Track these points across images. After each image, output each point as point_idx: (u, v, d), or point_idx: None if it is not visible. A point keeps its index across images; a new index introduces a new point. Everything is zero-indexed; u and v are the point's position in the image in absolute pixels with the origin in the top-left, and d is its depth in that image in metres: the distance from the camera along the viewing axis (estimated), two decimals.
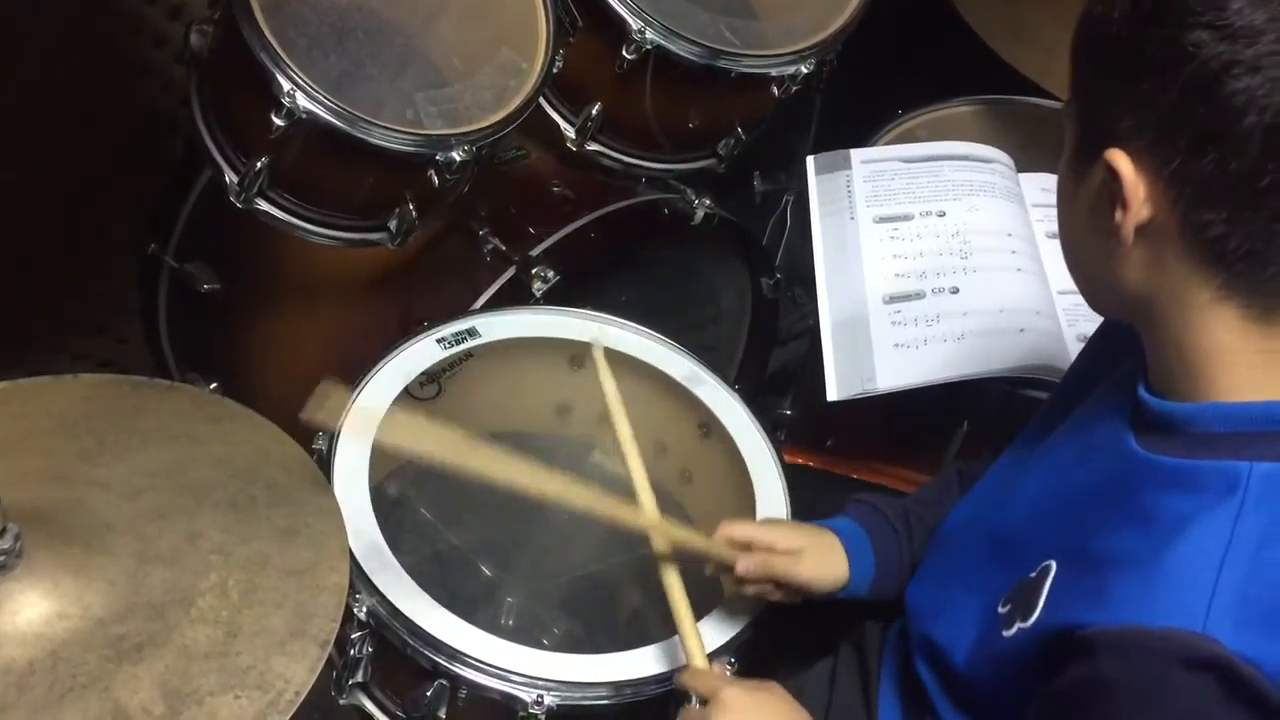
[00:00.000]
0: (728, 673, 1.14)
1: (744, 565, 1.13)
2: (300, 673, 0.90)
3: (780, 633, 1.23)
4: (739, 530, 1.15)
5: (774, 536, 1.16)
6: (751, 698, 1.04)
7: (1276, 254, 0.81)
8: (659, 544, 1.15)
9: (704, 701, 1.05)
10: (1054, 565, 0.90)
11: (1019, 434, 1.14)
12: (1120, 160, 0.83)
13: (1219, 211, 0.80)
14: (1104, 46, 0.86)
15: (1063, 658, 0.85)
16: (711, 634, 1.17)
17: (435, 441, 1.05)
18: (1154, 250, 0.85)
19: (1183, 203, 0.81)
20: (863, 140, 1.74)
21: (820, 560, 1.16)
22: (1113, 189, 0.84)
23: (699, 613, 1.19)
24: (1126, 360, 0.95)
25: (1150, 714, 0.80)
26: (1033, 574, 0.91)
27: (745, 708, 1.03)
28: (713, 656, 1.14)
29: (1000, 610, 0.94)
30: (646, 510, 1.17)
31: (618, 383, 1.25)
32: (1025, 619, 0.90)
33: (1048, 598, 0.89)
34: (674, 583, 1.13)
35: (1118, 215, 0.84)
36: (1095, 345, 1.11)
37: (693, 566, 1.17)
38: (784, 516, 1.31)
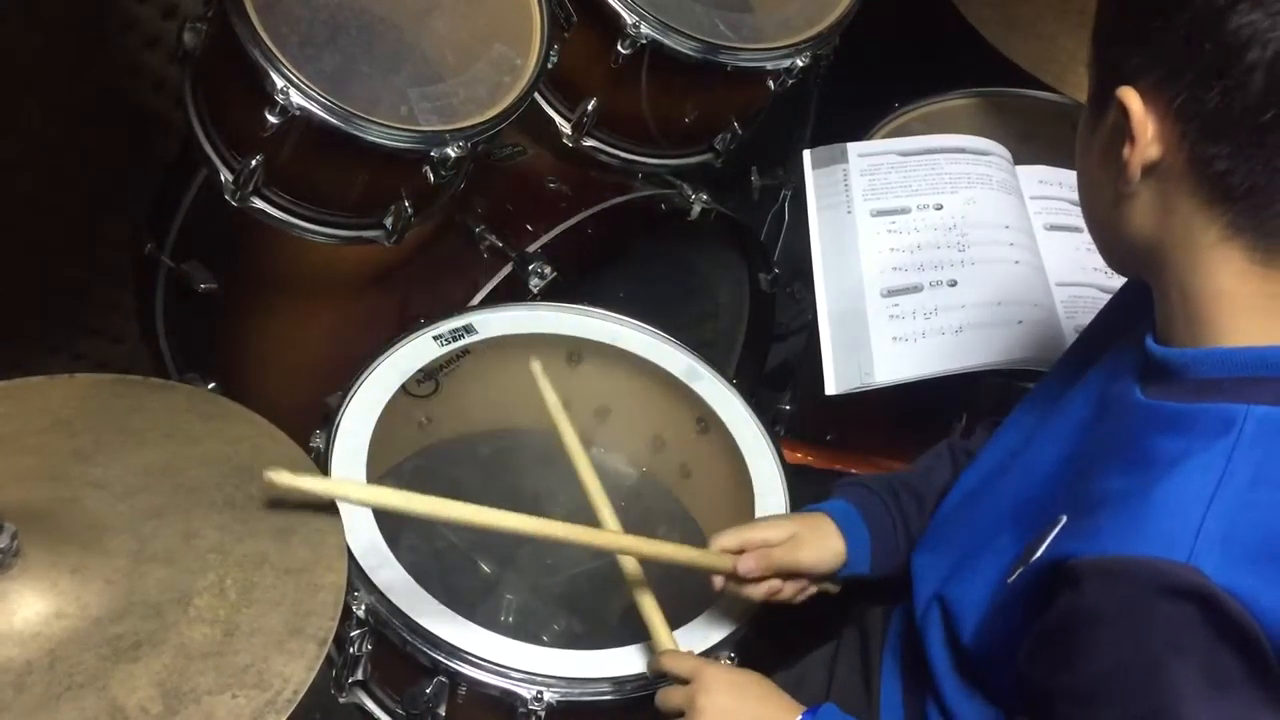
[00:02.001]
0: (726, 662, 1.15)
1: (745, 565, 1.12)
2: (299, 671, 0.90)
3: (780, 623, 1.22)
4: (728, 539, 1.15)
5: (764, 532, 1.16)
6: (731, 676, 1.06)
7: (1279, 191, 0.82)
8: (629, 566, 1.16)
9: (683, 683, 1.06)
10: (1065, 518, 0.90)
11: (1022, 402, 1.14)
12: (1130, 97, 0.84)
13: (1223, 147, 0.81)
14: None
15: (1052, 591, 0.86)
16: (711, 630, 1.17)
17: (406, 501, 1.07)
18: (1162, 190, 0.86)
19: (1189, 139, 0.82)
20: (859, 134, 1.74)
21: (816, 542, 1.16)
22: (1123, 128, 0.85)
23: (699, 609, 1.19)
24: (1142, 321, 0.95)
25: (1131, 641, 0.80)
26: (1046, 527, 0.92)
27: (726, 685, 1.04)
28: (712, 651, 1.15)
29: (1015, 568, 0.94)
30: (612, 530, 1.18)
31: (615, 382, 1.26)
32: (1028, 563, 0.91)
33: (1050, 542, 0.89)
34: (636, 577, 1.16)
35: (1126, 152, 0.85)
36: (1110, 310, 1.11)
37: (682, 572, 1.18)
38: (783, 510, 1.31)
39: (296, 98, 1.33)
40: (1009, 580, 0.93)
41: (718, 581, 1.15)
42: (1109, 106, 0.87)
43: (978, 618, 0.99)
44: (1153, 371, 0.90)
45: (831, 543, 1.16)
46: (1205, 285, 0.86)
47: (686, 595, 1.22)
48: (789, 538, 1.15)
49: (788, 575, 1.16)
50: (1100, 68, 0.90)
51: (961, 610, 1.01)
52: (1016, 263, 1.54)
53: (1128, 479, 0.85)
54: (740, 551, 1.14)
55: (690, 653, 1.12)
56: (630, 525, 1.30)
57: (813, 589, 1.18)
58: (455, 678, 1.11)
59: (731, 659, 1.16)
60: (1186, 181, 0.84)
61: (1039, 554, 0.90)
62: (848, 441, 1.66)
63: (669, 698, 1.08)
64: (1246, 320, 0.85)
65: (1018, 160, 1.67)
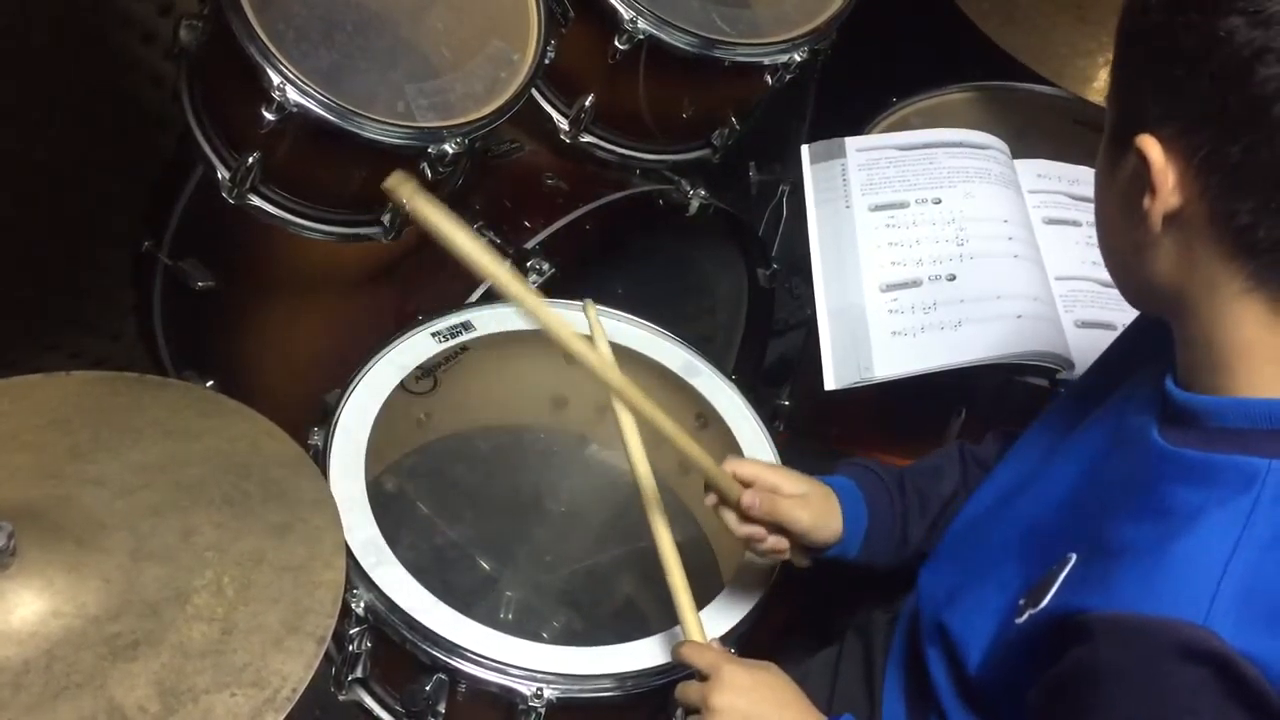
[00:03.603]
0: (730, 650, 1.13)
1: (749, 499, 1.10)
2: (297, 669, 0.90)
3: (784, 621, 1.22)
4: (742, 466, 1.13)
5: (778, 478, 1.14)
6: (751, 676, 1.04)
7: None
8: (666, 549, 1.13)
9: (702, 677, 1.05)
10: (1074, 556, 0.89)
11: (1038, 419, 1.13)
12: (1150, 146, 0.82)
13: (1247, 201, 0.80)
14: (1140, 33, 0.85)
15: (1063, 643, 0.84)
16: (714, 622, 1.17)
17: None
18: (1183, 240, 0.84)
19: (1211, 191, 0.81)
20: (857, 128, 1.74)
21: (823, 510, 1.15)
22: (1143, 176, 0.83)
23: (701, 602, 1.18)
24: (1162, 353, 0.94)
25: (1144, 702, 0.79)
26: (1054, 565, 0.90)
27: (744, 686, 1.02)
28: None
29: (1020, 603, 0.93)
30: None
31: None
32: (1036, 606, 0.90)
33: (1060, 585, 0.88)
34: (671, 560, 1.12)
35: (1146, 202, 0.84)
36: (1131, 335, 1.10)
37: (690, 553, 1.16)
38: None
39: (293, 94, 1.33)
40: (1017, 620, 0.92)
41: (711, 499, 1.14)
42: (1128, 149, 0.85)
43: (982, 652, 0.98)
44: (1172, 415, 0.89)
45: (834, 519, 1.15)
46: (1228, 335, 0.84)
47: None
48: (799, 494, 1.14)
49: (778, 529, 1.14)
50: (1119, 109, 0.88)
51: (965, 641, 1.00)
52: (1015, 256, 1.53)
53: (1144, 529, 0.84)
54: (748, 486, 1.12)
55: (713, 645, 1.10)
56: (629, 522, 1.30)
57: (786, 555, 1.16)
58: (455, 675, 1.11)
59: (733, 653, 1.15)
60: (1209, 232, 0.82)
61: (1049, 597, 0.89)
62: (846, 437, 1.65)
63: (686, 692, 1.06)
64: (1270, 371, 0.84)
65: (1016, 154, 1.67)
